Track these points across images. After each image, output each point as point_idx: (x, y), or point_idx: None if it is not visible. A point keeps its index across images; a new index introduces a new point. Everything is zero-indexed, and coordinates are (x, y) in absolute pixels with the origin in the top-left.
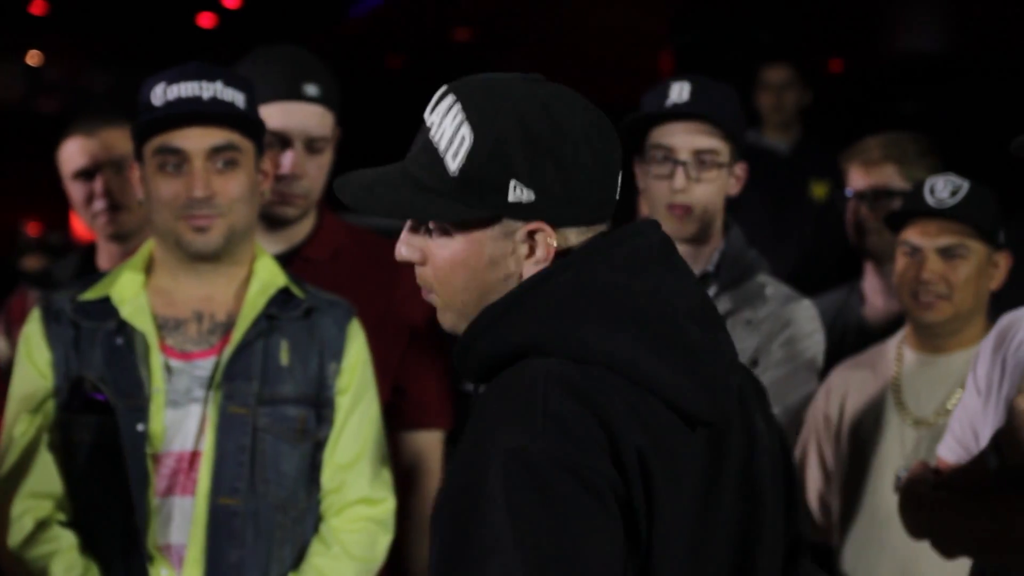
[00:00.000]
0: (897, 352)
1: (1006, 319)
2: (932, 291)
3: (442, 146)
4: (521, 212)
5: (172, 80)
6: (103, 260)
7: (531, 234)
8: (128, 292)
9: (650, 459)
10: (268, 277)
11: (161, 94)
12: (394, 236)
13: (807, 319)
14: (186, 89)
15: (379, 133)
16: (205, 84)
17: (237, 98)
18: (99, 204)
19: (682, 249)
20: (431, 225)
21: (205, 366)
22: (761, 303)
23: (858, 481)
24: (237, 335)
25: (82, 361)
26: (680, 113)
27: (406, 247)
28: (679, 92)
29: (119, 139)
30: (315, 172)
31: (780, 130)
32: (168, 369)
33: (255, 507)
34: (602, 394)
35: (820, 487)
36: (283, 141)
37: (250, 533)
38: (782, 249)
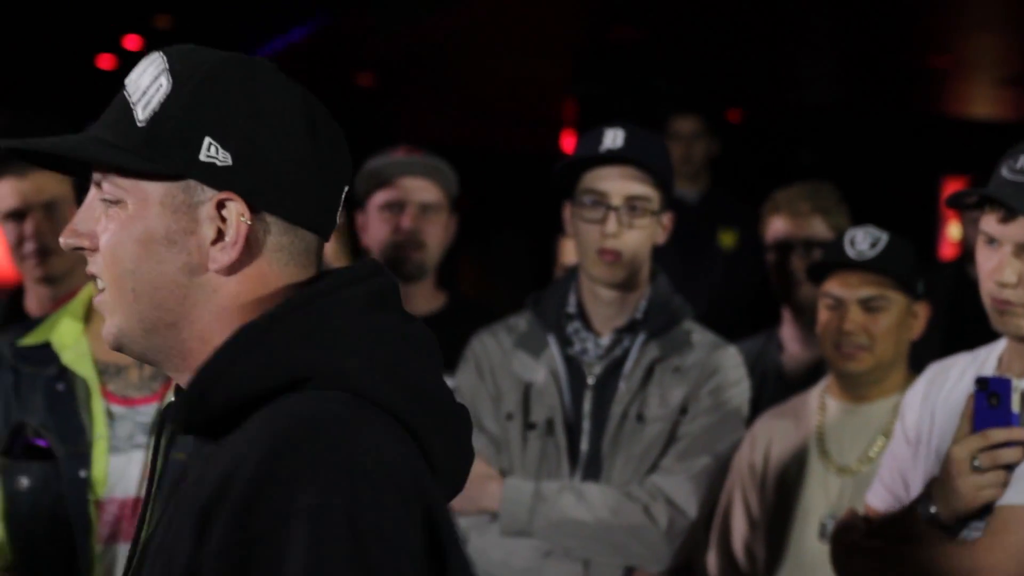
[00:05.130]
0: (820, 401)
1: (933, 368)
2: (853, 342)
3: (135, 97)
4: (213, 176)
5: None
6: (32, 304)
7: (220, 210)
8: (68, 338)
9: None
10: None
11: None
12: None
13: (733, 367)
14: None
15: None
16: None
17: None
18: (29, 247)
19: (610, 295)
20: (105, 196)
21: (147, 412)
22: (688, 350)
23: (783, 529)
24: None
25: (23, 407)
26: (614, 158)
27: (70, 232)
28: (613, 138)
29: (50, 182)
30: None
31: (689, 180)
32: (110, 415)
33: None
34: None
35: (746, 535)
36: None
37: None
38: (692, 297)
